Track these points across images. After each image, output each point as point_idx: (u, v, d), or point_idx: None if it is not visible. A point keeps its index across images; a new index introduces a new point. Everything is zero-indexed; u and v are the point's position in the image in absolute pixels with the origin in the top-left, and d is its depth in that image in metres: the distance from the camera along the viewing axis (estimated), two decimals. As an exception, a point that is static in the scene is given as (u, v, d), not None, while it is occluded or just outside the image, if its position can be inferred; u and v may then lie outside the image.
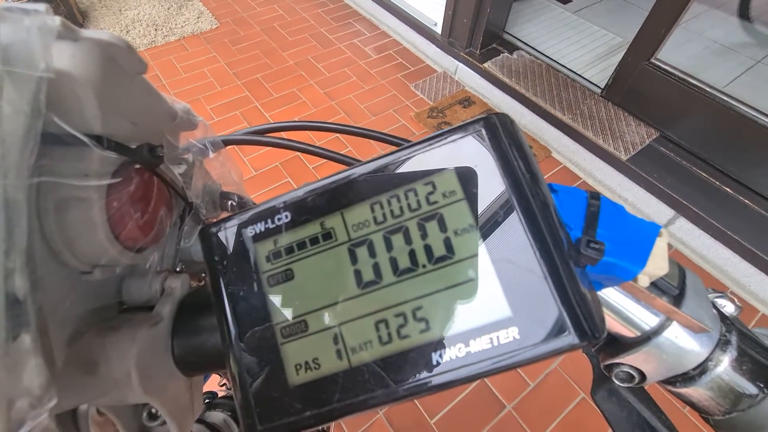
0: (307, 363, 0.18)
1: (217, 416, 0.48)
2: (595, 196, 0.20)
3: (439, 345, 0.16)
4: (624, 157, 1.62)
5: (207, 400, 0.52)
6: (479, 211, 0.17)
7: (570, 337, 0.15)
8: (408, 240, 0.18)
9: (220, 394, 0.56)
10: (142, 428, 0.24)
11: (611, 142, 1.67)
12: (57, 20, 0.17)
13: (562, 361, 1.32)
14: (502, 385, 1.27)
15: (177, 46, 2.33)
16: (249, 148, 1.84)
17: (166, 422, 0.22)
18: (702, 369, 0.21)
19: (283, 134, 0.38)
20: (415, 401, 1.26)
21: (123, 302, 0.23)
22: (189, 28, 2.43)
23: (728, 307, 0.23)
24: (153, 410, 0.24)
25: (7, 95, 0.14)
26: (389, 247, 0.18)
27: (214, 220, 0.21)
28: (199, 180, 0.28)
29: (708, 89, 1.55)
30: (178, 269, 0.26)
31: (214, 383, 0.65)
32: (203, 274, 0.30)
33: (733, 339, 0.22)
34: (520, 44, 2.13)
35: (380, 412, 1.23)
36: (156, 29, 2.40)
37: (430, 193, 0.18)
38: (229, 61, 2.25)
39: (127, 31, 2.37)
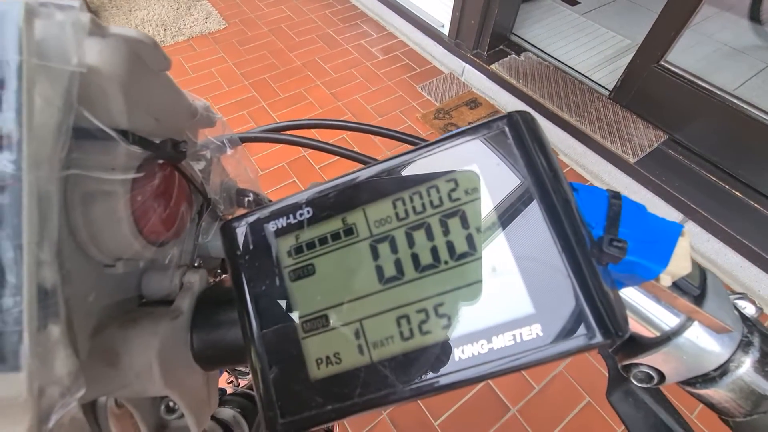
0: (328, 357, 0.18)
1: (226, 413, 0.48)
2: (617, 195, 0.20)
3: (461, 341, 0.16)
4: (632, 160, 1.61)
5: (216, 397, 0.53)
6: (502, 209, 0.17)
7: (593, 335, 0.15)
8: (430, 236, 0.18)
9: (229, 391, 0.56)
10: (160, 421, 0.24)
11: (619, 144, 1.66)
12: (88, 16, 0.17)
13: (568, 364, 1.32)
14: (507, 388, 1.27)
15: (185, 46, 2.35)
16: (256, 147, 1.85)
17: (184, 415, 0.22)
18: (723, 370, 0.21)
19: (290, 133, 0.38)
20: (419, 402, 1.25)
21: (142, 296, 0.23)
22: (197, 28, 2.45)
23: (749, 309, 0.23)
24: (171, 404, 0.24)
25: (41, 89, 0.15)
26: (411, 243, 0.18)
27: (231, 217, 0.21)
28: (216, 176, 0.28)
29: (718, 92, 1.53)
30: (196, 264, 0.26)
31: (222, 380, 0.65)
32: (218, 270, 0.30)
33: (756, 340, 0.21)
34: (527, 46, 2.12)
35: (384, 413, 1.23)
36: (165, 29, 2.42)
37: (453, 189, 0.18)
38: (237, 61, 2.27)
39: (137, 31, 2.39)
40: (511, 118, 0.18)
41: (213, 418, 0.45)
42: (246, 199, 0.29)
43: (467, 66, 2.13)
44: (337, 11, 2.63)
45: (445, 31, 2.19)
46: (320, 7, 2.66)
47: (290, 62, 2.27)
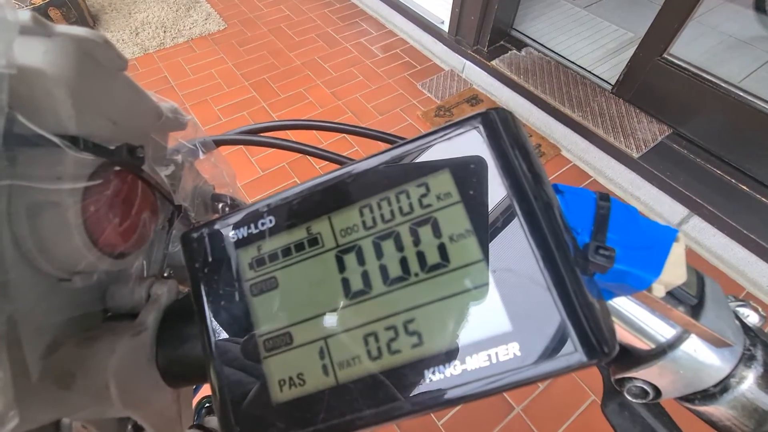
0: (291, 379, 0.16)
1: (216, 422, 0.47)
2: (605, 197, 0.18)
3: (432, 361, 0.15)
4: (636, 155, 1.58)
5: (207, 405, 0.52)
6: (477, 216, 0.16)
7: (577, 355, 0.14)
8: (399, 246, 0.16)
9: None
10: (127, 441, 0.23)
11: (622, 139, 1.63)
12: (25, 14, 0.16)
13: (573, 363, 1.30)
14: (510, 388, 1.25)
15: (185, 48, 2.34)
16: (256, 148, 1.84)
17: (151, 436, 0.21)
18: (724, 386, 0.20)
19: (289, 134, 0.37)
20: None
21: (108, 310, 0.22)
22: (197, 29, 2.44)
23: (752, 317, 0.21)
24: (138, 423, 0.23)
25: (-34, 93, 0.13)
26: (379, 254, 0.16)
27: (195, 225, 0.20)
28: (189, 182, 0.27)
29: (723, 84, 1.50)
30: (165, 275, 0.25)
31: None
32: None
33: (759, 353, 0.20)
34: (528, 41, 2.10)
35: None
36: (165, 31, 2.42)
37: (423, 195, 0.16)
38: (237, 62, 2.26)
39: (137, 34, 2.39)
40: (486, 116, 0.16)
41: (202, 427, 0.44)
42: (221, 204, 0.28)
43: (468, 62, 2.11)
44: (337, 10, 2.62)
45: (445, 27, 2.17)
46: (319, 6, 2.64)
47: (290, 62, 2.26)
